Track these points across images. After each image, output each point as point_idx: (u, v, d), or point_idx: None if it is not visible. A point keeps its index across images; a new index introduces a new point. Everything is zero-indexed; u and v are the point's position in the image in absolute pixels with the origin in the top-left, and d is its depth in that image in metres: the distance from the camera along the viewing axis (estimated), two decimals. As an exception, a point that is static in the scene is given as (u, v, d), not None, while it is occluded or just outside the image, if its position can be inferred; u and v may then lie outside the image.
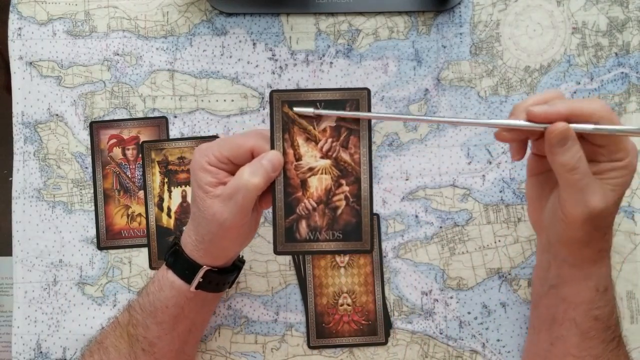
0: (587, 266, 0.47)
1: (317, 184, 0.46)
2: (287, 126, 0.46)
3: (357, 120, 0.46)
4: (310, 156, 0.46)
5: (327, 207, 0.46)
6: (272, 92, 0.46)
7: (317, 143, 0.46)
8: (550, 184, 0.48)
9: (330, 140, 0.46)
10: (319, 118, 0.46)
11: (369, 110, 0.46)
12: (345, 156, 0.46)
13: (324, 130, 0.46)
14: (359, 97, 0.46)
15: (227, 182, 0.46)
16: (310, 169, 0.46)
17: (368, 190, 0.46)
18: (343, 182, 0.46)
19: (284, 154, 0.46)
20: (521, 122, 0.44)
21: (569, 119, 0.42)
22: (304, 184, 0.46)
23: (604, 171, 0.44)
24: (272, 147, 0.46)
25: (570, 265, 0.47)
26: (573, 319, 0.47)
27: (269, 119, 0.46)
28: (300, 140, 0.46)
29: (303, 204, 0.46)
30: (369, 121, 0.46)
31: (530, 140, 0.47)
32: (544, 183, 0.48)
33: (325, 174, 0.46)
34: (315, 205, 0.46)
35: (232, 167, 0.46)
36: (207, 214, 0.46)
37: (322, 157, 0.46)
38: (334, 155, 0.46)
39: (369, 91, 0.46)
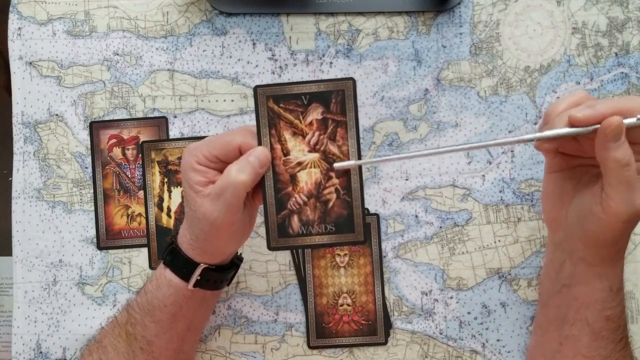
0: (604, 265, 0.46)
1: (307, 178, 0.46)
2: (273, 121, 0.46)
3: (344, 112, 0.46)
4: (299, 150, 0.46)
5: (318, 201, 0.46)
6: (256, 88, 0.46)
7: (304, 137, 0.46)
8: (573, 182, 0.48)
9: (317, 133, 0.46)
10: (305, 111, 0.46)
11: (355, 100, 0.45)
12: (333, 148, 0.46)
13: (311, 123, 0.46)
14: (344, 88, 0.45)
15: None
16: (299, 164, 0.46)
17: (358, 181, 0.46)
18: (332, 174, 0.46)
19: (272, 149, 0.46)
20: (566, 130, 0.43)
21: None
22: (293, 179, 0.46)
23: None
24: (259, 143, 0.46)
25: (587, 264, 0.47)
26: (585, 318, 0.47)
27: (255, 115, 0.46)
28: (287, 134, 0.46)
29: (294, 199, 0.46)
30: (356, 112, 0.46)
31: None
32: (565, 180, 0.48)
33: (315, 167, 0.46)
34: (306, 199, 0.46)
35: (222, 165, 0.46)
36: (199, 213, 0.46)
37: (310, 151, 0.46)
38: (322, 148, 0.46)
39: (354, 81, 0.45)
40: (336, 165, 0.46)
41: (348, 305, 0.59)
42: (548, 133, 0.44)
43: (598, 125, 0.42)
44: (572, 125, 0.43)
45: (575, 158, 0.47)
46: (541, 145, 0.45)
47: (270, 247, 0.47)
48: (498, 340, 0.58)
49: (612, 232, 0.44)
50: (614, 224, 0.44)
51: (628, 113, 0.43)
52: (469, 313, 0.59)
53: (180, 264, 0.49)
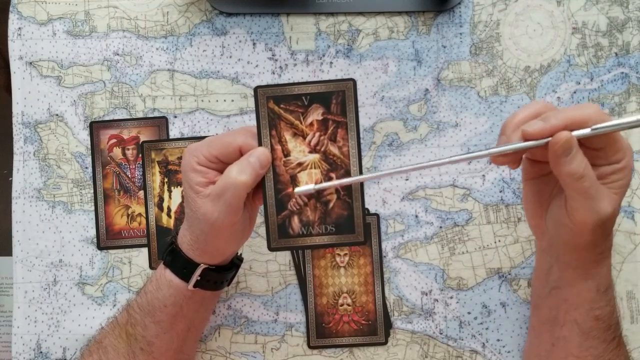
0: (590, 267, 0.46)
1: (307, 179, 0.46)
2: (274, 122, 0.46)
3: (344, 113, 0.46)
4: (299, 151, 0.46)
5: (319, 202, 0.46)
6: (256, 88, 0.45)
7: (304, 138, 0.46)
8: (548, 189, 0.48)
9: (317, 134, 0.46)
10: (305, 112, 0.46)
11: (355, 101, 0.45)
12: (333, 149, 0.46)
13: (311, 124, 0.46)
14: (345, 89, 0.45)
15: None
16: (300, 164, 0.46)
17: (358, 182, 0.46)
18: (333, 175, 0.46)
19: (272, 150, 0.46)
20: (520, 145, 0.43)
21: (566, 129, 0.42)
22: (294, 180, 0.46)
23: (606, 175, 0.44)
24: (260, 144, 0.46)
25: (574, 268, 0.47)
26: (574, 319, 0.47)
27: (255, 116, 0.46)
28: (287, 135, 0.46)
29: (294, 200, 0.46)
30: (356, 113, 0.46)
31: None
32: (541, 187, 0.48)
33: (315, 168, 0.46)
34: (306, 200, 0.46)
35: (222, 166, 0.46)
36: (199, 214, 0.46)
37: (310, 152, 0.46)
38: (322, 149, 0.46)
39: (354, 82, 0.45)
40: (297, 190, 0.46)
41: (348, 305, 0.59)
42: (501, 148, 0.44)
43: (550, 138, 0.42)
44: (525, 140, 0.43)
45: (547, 164, 0.47)
46: (497, 159, 0.45)
47: (270, 248, 0.47)
48: (498, 340, 0.58)
49: (585, 239, 0.44)
50: (584, 232, 0.44)
51: (581, 124, 0.42)
52: (469, 313, 0.59)
53: (181, 265, 0.49)
